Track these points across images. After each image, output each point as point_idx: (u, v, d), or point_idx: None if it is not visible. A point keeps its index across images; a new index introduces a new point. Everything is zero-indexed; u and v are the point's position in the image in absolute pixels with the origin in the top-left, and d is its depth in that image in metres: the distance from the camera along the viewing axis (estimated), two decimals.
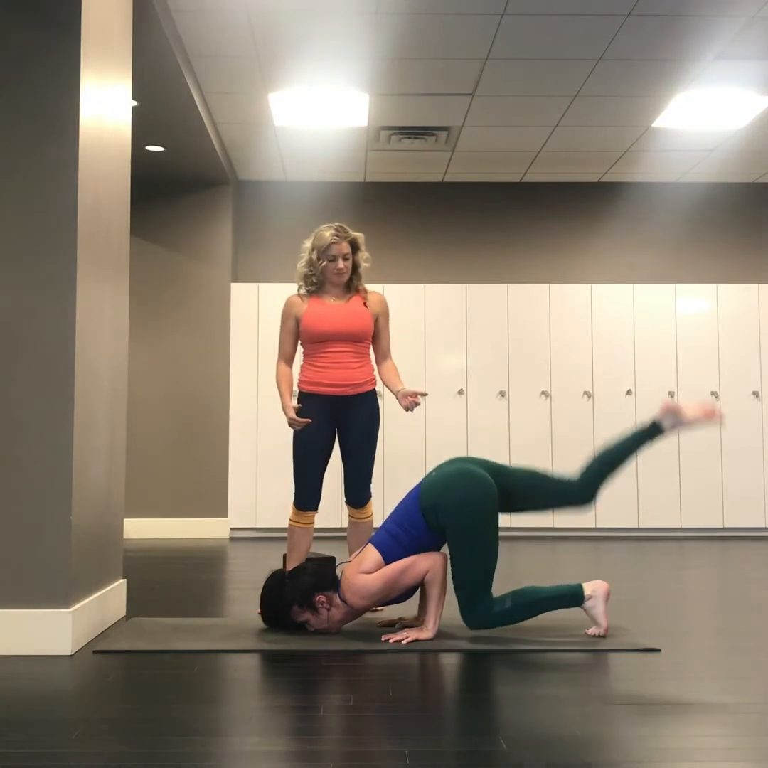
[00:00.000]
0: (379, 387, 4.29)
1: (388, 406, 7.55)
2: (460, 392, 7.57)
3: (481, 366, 7.59)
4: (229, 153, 7.37)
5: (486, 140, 7.03)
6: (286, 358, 4.26)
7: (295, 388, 4.22)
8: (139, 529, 7.32)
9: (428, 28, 5.18)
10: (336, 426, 4.18)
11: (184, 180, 7.52)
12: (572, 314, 7.64)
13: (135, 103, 5.77)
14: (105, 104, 3.80)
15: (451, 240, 8.06)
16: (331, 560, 4.05)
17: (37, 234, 3.40)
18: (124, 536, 5.02)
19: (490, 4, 4.92)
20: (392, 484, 7.40)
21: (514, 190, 8.13)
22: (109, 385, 3.86)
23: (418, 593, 3.71)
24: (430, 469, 7.82)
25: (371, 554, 3.60)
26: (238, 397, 7.48)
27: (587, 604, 3.58)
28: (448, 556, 3.57)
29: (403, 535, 3.59)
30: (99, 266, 3.70)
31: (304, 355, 4.23)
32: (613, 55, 5.52)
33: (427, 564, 3.52)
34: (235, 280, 7.82)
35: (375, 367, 4.28)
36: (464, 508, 3.54)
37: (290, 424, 4.14)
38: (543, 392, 7.57)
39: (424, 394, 4.16)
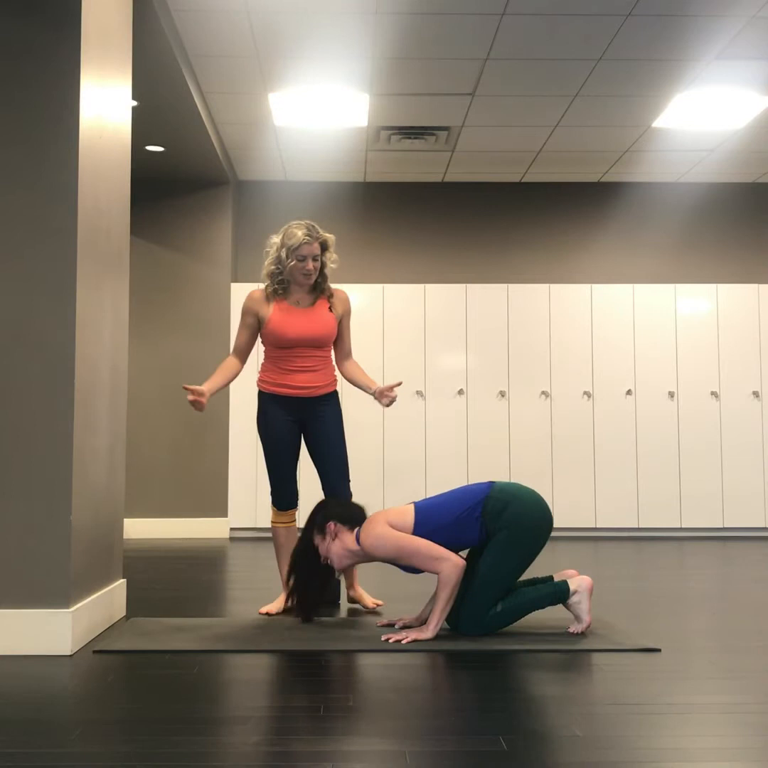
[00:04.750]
0: (341, 386, 4.30)
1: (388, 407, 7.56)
2: (460, 392, 7.57)
3: (481, 366, 7.59)
4: (229, 153, 7.37)
5: (486, 140, 7.03)
6: (240, 353, 4.22)
7: (256, 387, 4.20)
8: (139, 529, 7.32)
9: (428, 28, 5.18)
10: (300, 426, 4.18)
11: (184, 180, 7.52)
12: (572, 314, 7.64)
13: (135, 103, 5.78)
14: (105, 104, 3.80)
15: (451, 240, 8.06)
16: (362, 508, 3.93)
17: (38, 234, 3.40)
18: (124, 536, 5.04)
19: (490, 4, 4.92)
20: (393, 484, 7.40)
21: (514, 190, 8.13)
22: (109, 385, 3.86)
23: (418, 590, 3.71)
24: (430, 468, 7.84)
25: (406, 513, 3.66)
26: (237, 397, 7.48)
27: (573, 599, 3.62)
28: (484, 560, 3.57)
29: (446, 515, 3.61)
30: (99, 266, 3.70)
31: (266, 356, 4.20)
32: (613, 55, 5.52)
33: (445, 565, 3.51)
34: (235, 280, 7.82)
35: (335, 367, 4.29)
36: (529, 523, 3.60)
37: (190, 397, 3.96)
38: (543, 392, 7.57)
39: (399, 384, 4.17)
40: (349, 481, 4.23)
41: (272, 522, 4.24)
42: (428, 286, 7.68)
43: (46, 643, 3.29)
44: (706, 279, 8.01)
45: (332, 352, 4.27)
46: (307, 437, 4.20)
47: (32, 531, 3.34)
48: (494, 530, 3.58)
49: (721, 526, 7.46)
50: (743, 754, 2.30)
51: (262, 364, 4.21)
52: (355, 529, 3.69)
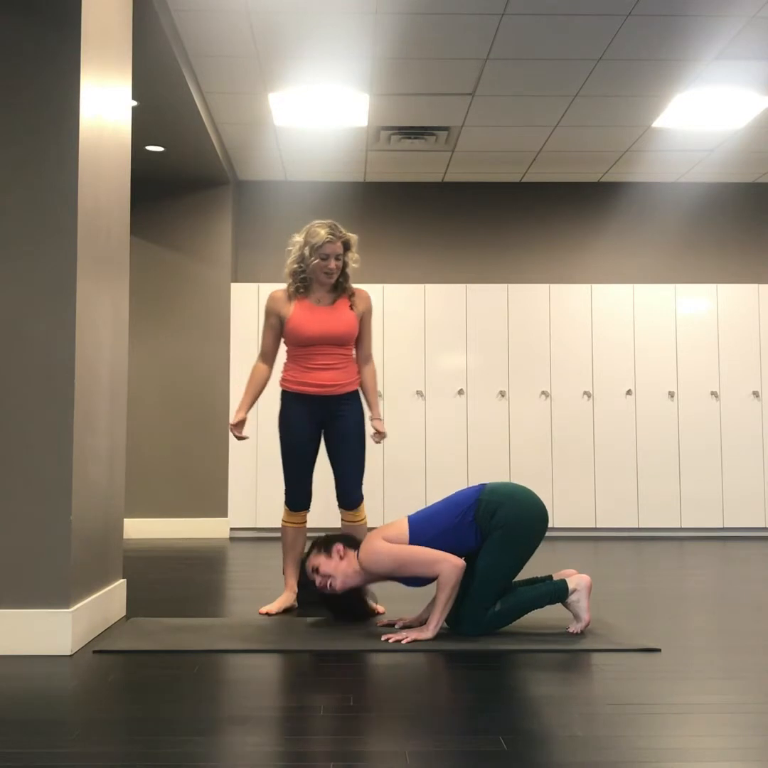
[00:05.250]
0: None
1: (387, 407, 7.56)
2: (460, 392, 7.57)
3: (481, 366, 7.59)
4: (229, 153, 7.37)
5: (486, 140, 7.03)
6: (266, 355, 4.25)
7: (278, 387, 4.22)
8: (139, 529, 7.32)
9: (428, 28, 5.18)
10: (321, 426, 4.18)
11: (184, 180, 7.52)
12: (572, 314, 7.64)
13: (135, 103, 5.78)
14: (105, 104, 3.80)
15: (451, 240, 8.07)
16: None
17: (37, 234, 3.40)
18: (124, 536, 5.04)
19: (490, 4, 4.92)
20: (393, 484, 7.40)
21: (514, 190, 8.13)
22: (109, 385, 3.86)
23: (420, 591, 3.71)
24: (430, 469, 7.83)
25: (400, 526, 3.67)
26: (238, 397, 7.41)
27: (572, 598, 3.62)
28: (480, 560, 3.58)
29: (442, 523, 3.62)
30: (99, 266, 3.70)
31: (288, 355, 4.21)
32: (613, 55, 5.52)
33: (444, 566, 3.51)
34: (235, 280, 7.82)
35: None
36: (522, 521, 3.60)
37: (231, 430, 4.22)
38: (543, 392, 7.57)
39: (384, 436, 4.26)
40: (360, 487, 4.24)
41: (283, 521, 4.23)
42: (428, 286, 7.68)
43: (46, 643, 3.28)
44: (706, 279, 8.01)
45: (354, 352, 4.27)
46: (326, 436, 4.20)
47: (32, 531, 3.34)
48: (488, 532, 3.58)
49: (721, 526, 7.46)
50: (743, 754, 2.30)
51: (285, 364, 4.23)
52: (356, 552, 3.70)
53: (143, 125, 6.14)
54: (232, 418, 4.22)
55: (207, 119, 6.41)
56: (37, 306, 3.39)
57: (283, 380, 4.20)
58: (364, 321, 4.23)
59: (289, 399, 4.17)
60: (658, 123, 6.66)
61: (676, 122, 6.63)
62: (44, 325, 3.38)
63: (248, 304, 7.56)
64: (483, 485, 3.72)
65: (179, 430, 7.53)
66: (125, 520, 6.74)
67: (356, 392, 4.22)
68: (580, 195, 8.13)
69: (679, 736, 2.46)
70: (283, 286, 4.25)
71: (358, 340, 4.24)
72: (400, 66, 5.70)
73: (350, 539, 3.78)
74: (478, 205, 8.10)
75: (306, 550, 4.17)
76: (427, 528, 3.62)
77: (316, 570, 3.68)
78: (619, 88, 6.05)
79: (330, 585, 3.67)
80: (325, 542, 3.74)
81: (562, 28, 5.19)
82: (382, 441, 4.25)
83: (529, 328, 7.62)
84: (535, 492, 3.76)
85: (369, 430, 4.24)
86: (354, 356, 4.24)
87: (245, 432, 4.22)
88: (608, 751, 2.28)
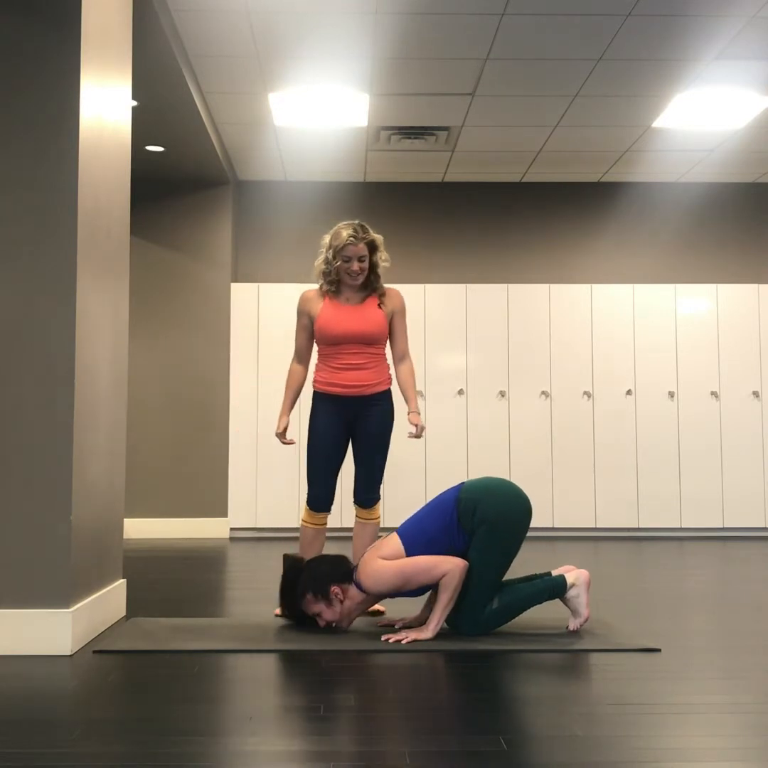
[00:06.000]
0: (394, 387, 4.27)
1: None
2: (460, 392, 7.57)
3: (481, 366, 7.59)
4: (229, 153, 7.37)
5: (486, 140, 7.03)
6: (300, 355, 4.25)
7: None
8: (139, 529, 7.32)
9: (428, 28, 5.18)
10: (350, 426, 4.16)
11: (184, 180, 7.52)
12: (572, 314, 7.64)
13: (135, 103, 5.78)
14: (105, 104, 3.80)
15: (451, 240, 8.06)
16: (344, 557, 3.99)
17: (37, 234, 3.40)
18: (124, 536, 5.04)
19: (490, 4, 4.92)
20: (392, 484, 7.39)
21: (514, 190, 8.13)
22: (109, 385, 3.86)
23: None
24: (430, 468, 7.84)
25: (392, 541, 3.62)
26: (238, 397, 7.48)
27: (571, 593, 3.61)
28: (470, 559, 3.57)
29: (431, 528, 3.61)
30: (99, 266, 3.70)
31: (319, 355, 4.22)
32: (613, 55, 5.52)
33: (447, 567, 3.50)
34: (235, 280, 7.82)
35: (391, 366, 4.26)
36: (504, 514, 3.59)
37: (278, 438, 4.22)
38: (543, 392, 7.57)
39: (423, 429, 4.19)
40: (379, 487, 4.24)
41: (302, 520, 4.20)
42: (428, 286, 7.68)
43: (46, 643, 3.28)
44: (706, 279, 8.01)
45: (387, 351, 4.23)
46: (353, 435, 4.19)
47: (32, 531, 3.34)
48: (472, 529, 3.58)
49: (721, 526, 7.46)
50: (743, 754, 2.30)
51: (316, 364, 4.22)
52: (353, 580, 3.61)
53: (143, 125, 6.14)
54: (278, 427, 4.19)
55: (207, 119, 6.41)
56: (37, 306, 3.39)
57: (314, 380, 4.19)
58: (395, 320, 4.21)
59: (318, 399, 4.16)
60: (658, 123, 6.66)
61: (676, 122, 6.63)
62: (44, 326, 3.38)
63: (248, 304, 7.56)
64: (461, 484, 3.72)
65: (179, 430, 7.52)
66: (125, 520, 6.74)
67: (387, 393, 4.19)
68: (580, 195, 8.13)
69: (679, 736, 2.46)
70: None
71: (392, 339, 4.23)
72: (400, 66, 5.70)
73: (337, 569, 3.63)
74: (478, 205, 8.10)
75: (304, 553, 4.14)
76: (417, 537, 3.61)
77: (318, 615, 3.61)
78: (619, 88, 6.05)
79: (336, 627, 3.64)
80: (319, 587, 3.57)
81: (562, 28, 5.19)
82: (422, 434, 4.14)
83: (529, 328, 7.62)
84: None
85: (399, 430, 4.20)
86: (386, 356, 4.22)
87: (289, 436, 4.21)
88: (608, 751, 2.28)
